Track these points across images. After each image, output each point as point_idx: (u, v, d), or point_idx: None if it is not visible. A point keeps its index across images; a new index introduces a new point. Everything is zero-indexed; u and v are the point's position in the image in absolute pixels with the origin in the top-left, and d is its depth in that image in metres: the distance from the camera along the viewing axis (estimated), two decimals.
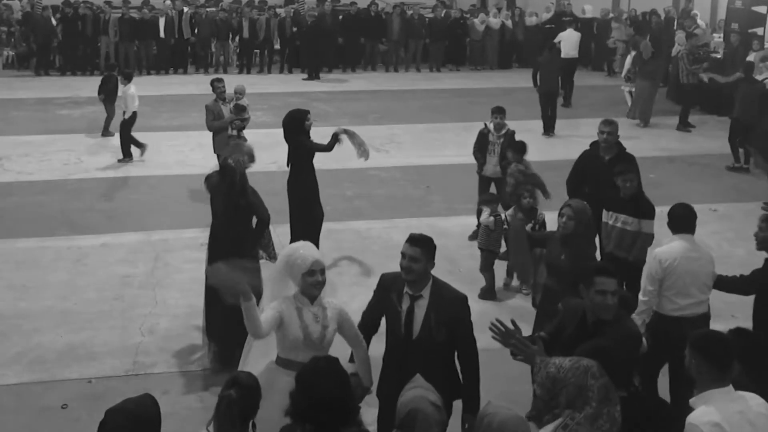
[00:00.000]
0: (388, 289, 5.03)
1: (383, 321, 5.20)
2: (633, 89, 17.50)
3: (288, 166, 9.23)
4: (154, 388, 6.67)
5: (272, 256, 7.66)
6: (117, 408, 3.74)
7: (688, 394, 5.82)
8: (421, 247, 4.86)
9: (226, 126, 11.24)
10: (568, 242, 6.11)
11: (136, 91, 13.61)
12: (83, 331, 7.79)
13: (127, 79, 13.69)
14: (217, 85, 11.53)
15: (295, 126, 9.08)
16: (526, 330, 6.36)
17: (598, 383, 3.59)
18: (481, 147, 10.08)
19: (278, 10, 22.87)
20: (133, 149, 13.73)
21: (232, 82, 13.30)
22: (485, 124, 10.13)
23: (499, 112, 9.96)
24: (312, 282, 4.87)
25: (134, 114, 13.51)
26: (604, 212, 7.50)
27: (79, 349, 7.44)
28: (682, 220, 6.02)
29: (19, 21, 21.82)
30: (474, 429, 3.57)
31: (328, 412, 3.64)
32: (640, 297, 6.09)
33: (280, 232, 9.13)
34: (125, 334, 7.73)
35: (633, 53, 17.84)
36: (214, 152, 11.47)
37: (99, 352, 7.39)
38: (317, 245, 9.07)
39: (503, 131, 9.97)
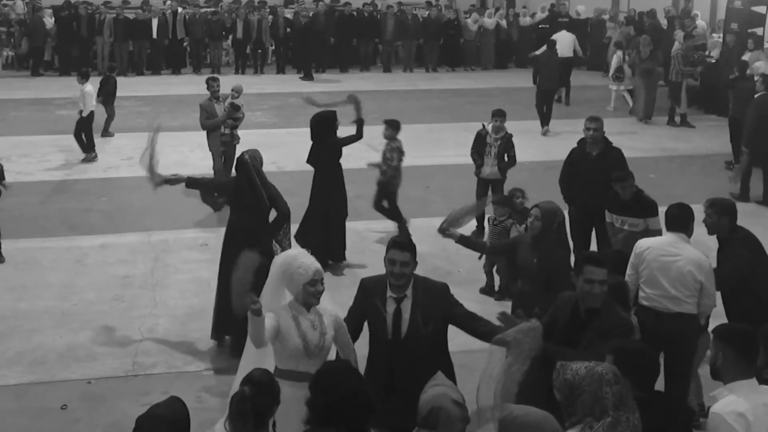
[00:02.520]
0: (370, 294, 5.02)
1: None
2: (621, 88, 17.79)
3: (310, 164, 9.43)
4: (153, 389, 6.73)
5: (285, 248, 7.73)
6: (149, 414, 3.73)
7: (679, 388, 5.88)
8: (410, 250, 4.89)
9: (219, 124, 11.27)
10: (538, 245, 6.09)
11: (93, 90, 13.55)
12: (83, 331, 7.79)
13: (84, 78, 13.66)
14: (211, 84, 11.57)
15: (326, 127, 9.24)
16: None
17: (612, 390, 3.56)
18: (478, 149, 10.11)
19: (281, 10, 22.86)
20: (79, 148, 13.78)
21: (228, 82, 13.31)
22: (483, 125, 10.14)
23: (499, 115, 9.97)
24: (313, 292, 4.84)
25: (92, 113, 13.49)
26: (607, 213, 7.67)
27: (78, 350, 7.44)
28: (675, 220, 6.10)
29: (19, 21, 21.84)
30: (503, 428, 3.56)
31: (354, 409, 3.63)
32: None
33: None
34: (125, 334, 7.73)
35: (618, 52, 18.10)
36: (210, 150, 11.50)
37: (99, 352, 7.40)
38: (344, 243, 9.37)
39: (501, 134, 9.97)
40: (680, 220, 6.08)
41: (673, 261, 5.88)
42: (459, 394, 3.71)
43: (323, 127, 9.26)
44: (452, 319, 5.00)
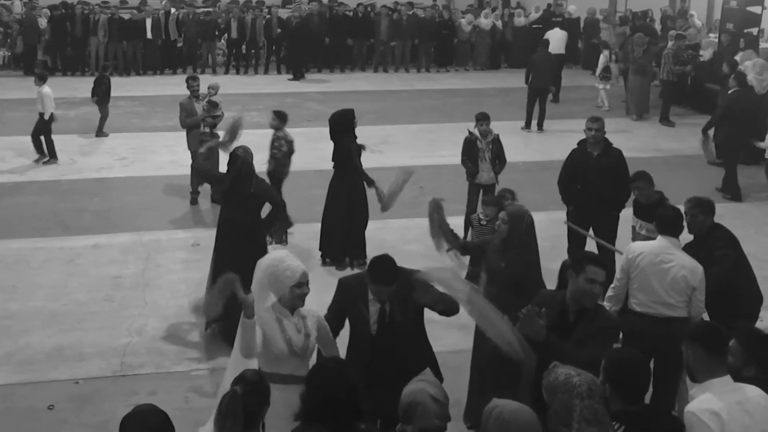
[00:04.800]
0: (350, 295, 5.07)
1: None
2: (608, 87, 18.02)
3: (332, 163, 9.53)
4: (141, 389, 6.73)
5: (276, 240, 7.75)
6: (138, 410, 3.66)
7: (667, 392, 5.87)
8: (396, 280, 4.92)
9: (199, 123, 11.29)
10: (507, 248, 6.04)
11: (51, 91, 13.42)
12: (72, 331, 7.78)
13: (42, 80, 13.46)
14: (191, 84, 11.60)
15: (344, 126, 9.26)
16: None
17: (583, 404, 3.54)
18: (470, 155, 9.83)
19: (275, 10, 22.81)
20: (36, 151, 13.58)
21: (220, 82, 13.27)
22: (469, 131, 9.92)
23: (484, 118, 9.76)
24: (299, 294, 4.84)
25: (52, 115, 13.33)
26: (633, 217, 7.71)
27: (67, 350, 7.42)
28: (667, 223, 6.03)
29: (19, 21, 21.83)
30: (483, 421, 3.56)
31: (339, 411, 3.64)
32: (611, 286, 6.17)
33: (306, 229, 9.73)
34: (114, 334, 7.72)
35: (605, 52, 18.31)
36: (188, 149, 11.48)
37: (87, 352, 7.38)
38: (363, 243, 9.41)
39: (490, 137, 9.86)
40: (673, 224, 6.01)
41: (668, 267, 5.81)
42: (440, 391, 3.70)
43: (341, 126, 9.27)
44: (427, 301, 5.06)
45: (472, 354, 6.31)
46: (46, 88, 13.31)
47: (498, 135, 9.88)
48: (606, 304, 6.07)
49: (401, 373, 4.03)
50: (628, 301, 6.06)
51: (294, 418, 3.78)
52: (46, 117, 13.27)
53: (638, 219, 7.59)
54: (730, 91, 12.67)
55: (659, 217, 6.15)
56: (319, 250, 9.53)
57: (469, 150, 9.86)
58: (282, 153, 10.17)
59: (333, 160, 9.52)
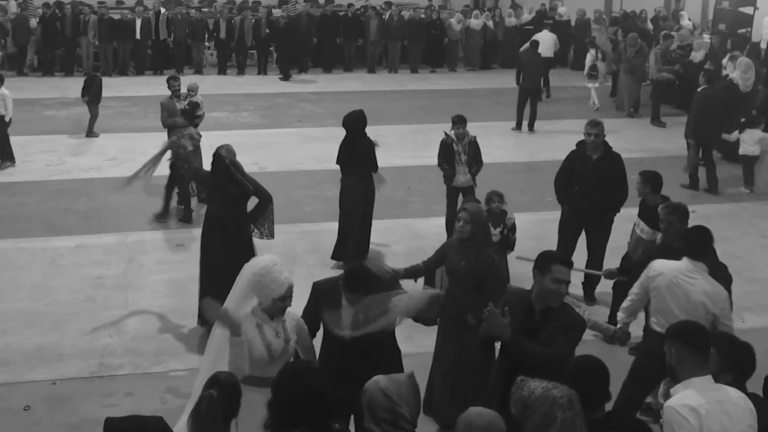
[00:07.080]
0: (324, 300, 5.08)
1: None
2: (597, 85, 18.21)
3: (338, 164, 9.41)
4: (118, 390, 6.73)
5: (265, 234, 7.74)
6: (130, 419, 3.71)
7: None
8: (369, 290, 4.98)
9: (180, 123, 11.28)
10: (467, 247, 6.01)
11: (9, 93, 13.21)
12: (52, 332, 7.76)
13: None
14: (172, 84, 11.65)
15: (358, 127, 9.24)
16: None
17: (564, 415, 3.53)
18: (447, 158, 9.75)
19: (263, 11, 22.77)
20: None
21: (208, 82, 13.26)
22: (446, 133, 9.85)
23: (460, 122, 9.67)
24: (281, 306, 4.85)
25: (10, 119, 13.13)
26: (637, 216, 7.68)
27: (46, 351, 7.41)
28: (692, 246, 5.68)
29: (13, 20, 21.80)
30: (458, 427, 3.55)
31: (310, 413, 3.60)
32: (627, 298, 6.08)
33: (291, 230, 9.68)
34: (94, 335, 7.70)
35: (592, 51, 18.47)
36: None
37: (66, 353, 7.37)
38: (367, 243, 9.37)
39: (466, 140, 9.81)
40: (699, 248, 5.63)
41: (687, 291, 5.51)
42: (395, 387, 3.65)
43: (355, 127, 9.23)
44: None
45: (433, 356, 6.31)
46: (5, 90, 13.13)
47: (475, 137, 9.81)
48: (619, 314, 6.03)
49: (372, 375, 4.01)
50: (649, 319, 5.84)
51: (263, 427, 3.73)
52: (7, 119, 13.12)
53: (639, 219, 7.51)
54: (699, 89, 12.72)
55: (685, 239, 5.84)
56: (333, 257, 9.39)
57: (446, 153, 9.78)
58: (184, 150, 10.28)
59: (340, 162, 9.38)
